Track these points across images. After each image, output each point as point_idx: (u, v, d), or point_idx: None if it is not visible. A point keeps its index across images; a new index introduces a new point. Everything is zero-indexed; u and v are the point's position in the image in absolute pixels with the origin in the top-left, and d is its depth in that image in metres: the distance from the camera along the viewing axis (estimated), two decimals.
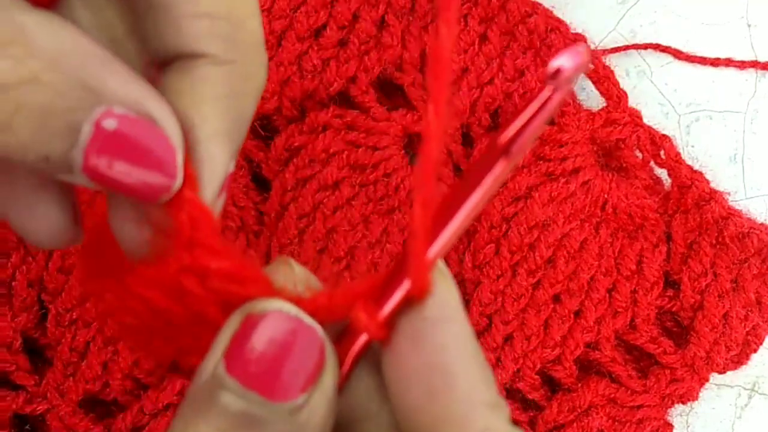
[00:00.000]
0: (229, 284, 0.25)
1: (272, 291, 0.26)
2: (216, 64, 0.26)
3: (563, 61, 0.25)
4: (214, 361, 0.24)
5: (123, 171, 0.24)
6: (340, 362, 0.26)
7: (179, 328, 0.26)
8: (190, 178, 0.26)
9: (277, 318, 0.24)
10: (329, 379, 0.25)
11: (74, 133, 0.23)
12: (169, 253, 0.25)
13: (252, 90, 0.28)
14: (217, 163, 0.26)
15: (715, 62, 0.56)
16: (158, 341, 0.27)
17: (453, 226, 0.25)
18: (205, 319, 0.26)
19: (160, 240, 0.26)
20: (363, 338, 0.26)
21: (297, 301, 0.25)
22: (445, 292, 0.26)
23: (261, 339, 0.24)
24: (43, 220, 0.27)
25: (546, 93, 0.25)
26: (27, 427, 0.48)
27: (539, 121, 0.25)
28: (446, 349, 0.25)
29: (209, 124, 0.26)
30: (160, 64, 0.27)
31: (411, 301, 0.25)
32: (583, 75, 0.53)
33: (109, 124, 0.23)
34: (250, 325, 0.24)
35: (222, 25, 0.26)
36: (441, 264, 0.26)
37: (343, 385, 0.26)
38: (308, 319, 0.25)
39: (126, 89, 0.24)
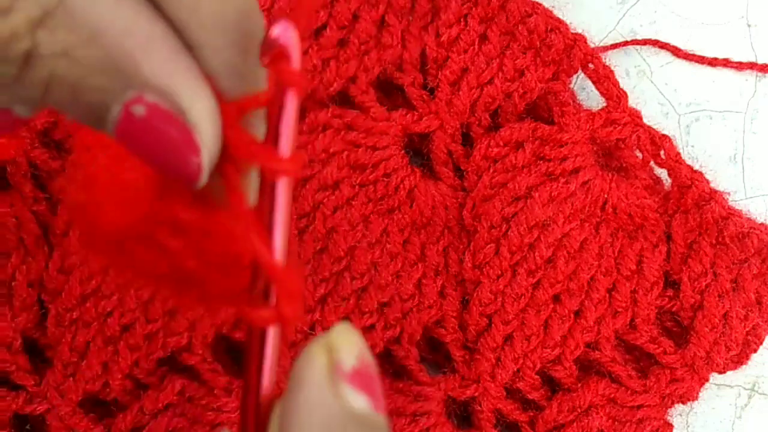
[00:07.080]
0: (201, 237, 0.25)
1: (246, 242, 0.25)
2: None
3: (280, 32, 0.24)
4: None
5: (149, 156, 0.23)
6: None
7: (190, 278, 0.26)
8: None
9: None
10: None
11: (104, 111, 0.23)
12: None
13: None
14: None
15: (713, 62, 0.56)
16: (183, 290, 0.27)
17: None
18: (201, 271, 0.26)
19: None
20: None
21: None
22: None
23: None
24: None
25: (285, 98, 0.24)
26: (27, 427, 0.48)
27: (289, 122, 0.25)
28: None
29: None
30: None
31: None
32: (583, 75, 0.53)
33: (138, 110, 0.23)
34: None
35: None
36: None
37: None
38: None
39: (162, 75, 0.23)
